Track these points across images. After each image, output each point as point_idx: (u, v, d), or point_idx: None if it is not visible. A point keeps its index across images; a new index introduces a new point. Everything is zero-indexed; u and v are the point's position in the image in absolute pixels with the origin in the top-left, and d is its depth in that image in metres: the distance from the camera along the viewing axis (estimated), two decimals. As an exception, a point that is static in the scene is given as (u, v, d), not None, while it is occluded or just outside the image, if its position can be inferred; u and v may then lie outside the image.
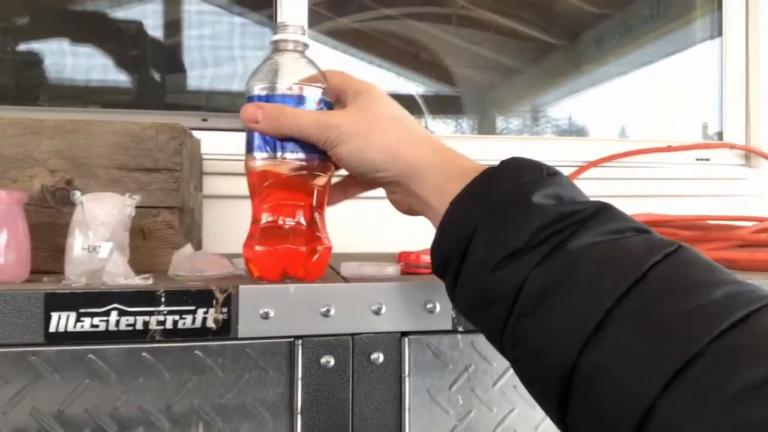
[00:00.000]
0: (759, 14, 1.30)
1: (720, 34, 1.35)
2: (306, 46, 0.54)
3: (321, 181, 0.54)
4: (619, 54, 1.43)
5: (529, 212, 0.39)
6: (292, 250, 0.52)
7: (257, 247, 0.53)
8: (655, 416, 0.30)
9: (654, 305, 0.33)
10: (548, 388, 0.37)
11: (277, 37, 0.54)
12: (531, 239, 0.38)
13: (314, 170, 0.53)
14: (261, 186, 0.53)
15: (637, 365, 0.32)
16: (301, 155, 0.52)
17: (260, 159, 0.52)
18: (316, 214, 0.54)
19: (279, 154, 0.52)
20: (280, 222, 0.53)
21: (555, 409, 0.37)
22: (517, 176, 0.42)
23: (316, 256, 0.53)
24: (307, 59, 0.54)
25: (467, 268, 0.41)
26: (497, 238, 0.40)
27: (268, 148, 0.52)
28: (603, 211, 0.39)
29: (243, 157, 0.55)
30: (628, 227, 0.39)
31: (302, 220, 0.53)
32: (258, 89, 0.52)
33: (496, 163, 0.44)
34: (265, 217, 0.53)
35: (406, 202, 0.51)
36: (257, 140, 0.52)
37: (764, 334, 0.30)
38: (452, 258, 0.42)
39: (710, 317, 0.31)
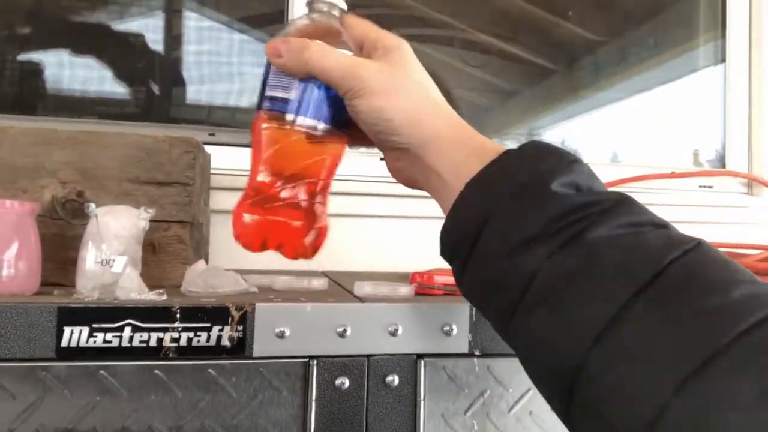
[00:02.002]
0: (762, 42, 1.32)
1: (723, 60, 1.37)
2: (342, 10, 0.50)
3: (331, 153, 0.49)
4: (616, 80, 1.44)
5: (547, 200, 0.38)
6: (284, 223, 0.47)
7: (246, 215, 0.47)
8: (667, 417, 0.29)
9: (671, 303, 0.32)
10: (554, 381, 0.36)
11: None
12: (547, 227, 0.37)
13: (325, 140, 0.48)
14: (266, 148, 0.48)
15: (651, 363, 0.31)
16: (315, 122, 0.47)
17: (270, 118, 0.48)
18: (319, 190, 0.49)
19: (290, 116, 0.47)
20: (278, 192, 0.47)
21: (559, 403, 0.36)
22: (537, 162, 0.40)
23: (310, 235, 0.48)
24: (338, 23, 0.50)
25: (479, 253, 0.40)
26: (512, 224, 0.38)
27: (280, 107, 0.47)
28: (622, 203, 0.38)
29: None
30: (647, 221, 0.37)
31: (303, 194, 0.48)
32: None
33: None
34: (262, 177, 0.48)
35: (410, 172, 0.48)
36: (269, 98, 0.48)
37: None
38: (463, 242, 0.41)
39: (729, 317, 0.30)
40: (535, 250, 0.37)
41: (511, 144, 1.47)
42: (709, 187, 1.31)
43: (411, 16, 1.34)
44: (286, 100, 0.47)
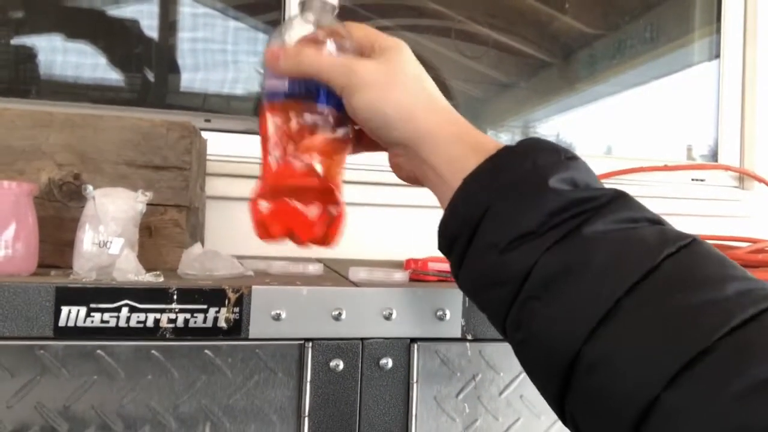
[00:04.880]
0: (757, 39, 1.33)
1: (717, 56, 1.38)
2: (334, 8, 0.51)
3: (338, 135, 0.49)
4: (611, 74, 1.45)
5: (544, 195, 0.38)
6: (299, 209, 0.48)
7: (262, 203, 0.48)
8: (658, 409, 0.30)
9: (665, 297, 0.33)
10: (549, 374, 0.36)
11: None
12: (544, 223, 0.38)
13: (331, 123, 0.49)
14: (273, 135, 0.48)
15: (644, 356, 0.32)
16: (320, 105, 0.48)
17: (276, 102, 0.49)
18: (332, 173, 0.50)
19: (294, 102, 0.48)
20: (290, 177, 0.48)
21: (554, 395, 0.37)
22: (535, 157, 0.40)
23: (325, 221, 0.49)
24: (332, 20, 0.50)
25: (475, 247, 0.40)
26: (509, 219, 0.39)
27: (284, 93, 0.48)
28: (618, 198, 0.39)
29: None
30: (643, 217, 0.38)
31: (315, 178, 0.48)
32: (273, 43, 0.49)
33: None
34: (275, 168, 0.48)
35: (409, 168, 0.48)
36: (273, 86, 0.49)
37: None
38: (460, 236, 0.41)
39: (722, 313, 0.31)
40: (532, 245, 0.38)
41: (506, 136, 1.47)
42: (701, 180, 1.32)
43: (407, 6, 1.34)
44: (287, 88, 0.48)
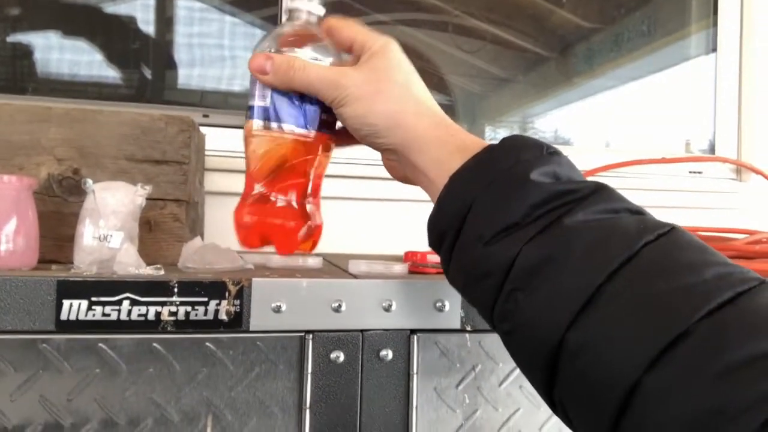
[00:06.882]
0: (753, 32, 1.33)
1: (714, 50, 1.38)
2: (320, 18, 0.53)
3: (318, 155, 0.53)
4: (609, 68, 1.45)
5: (526, 189, 0.39)
6: (280, 224, 0.51)
7: (244, 213, 0.51)
8: (640, 391, 0.31)
9: (644, 283, 0.34)
10: (536, 362, 0.37)
11: (291, 5, 0.52)
12: (526, 215, 0.39)
13: (313, 144, 0.52)
14: (257, 154, 0.52)
15: (625, 341, 0.32)
16: (300, 128, 0.51)
17: (259, 127, 0.51)
18: (311, 189, 0.53)
19: (277, 124, 0.51)
20: (272, 195, 0.52)
21: (542, 384, 0.37)
22: (517, 153, 0.42)
23: (303, 231, 0.52)
24: (317, 29, 0.52)
25: (462, 242, 0.42)
26: (493, 213, 0.40)
27: (269, 117, 0.51)
28: (599, 190, 0.40)
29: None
30: (623, 207, 0.39)
31: (294, 195, 0.52)
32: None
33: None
34: (258, 187, 0.52)
35: (401, 170, 0.51)
36: (258, 108, 0.51)
37: (752, 314, 0.31)
38: (448, 232, 0.42)
39: (700, 296, 0.32)
40: (515, 237, 0.38)
41: (504, 132, 1.48)
42: (699, 172, 1.32)
43: (403, 0, 1.34)
44: (271, 109, 0.50)
